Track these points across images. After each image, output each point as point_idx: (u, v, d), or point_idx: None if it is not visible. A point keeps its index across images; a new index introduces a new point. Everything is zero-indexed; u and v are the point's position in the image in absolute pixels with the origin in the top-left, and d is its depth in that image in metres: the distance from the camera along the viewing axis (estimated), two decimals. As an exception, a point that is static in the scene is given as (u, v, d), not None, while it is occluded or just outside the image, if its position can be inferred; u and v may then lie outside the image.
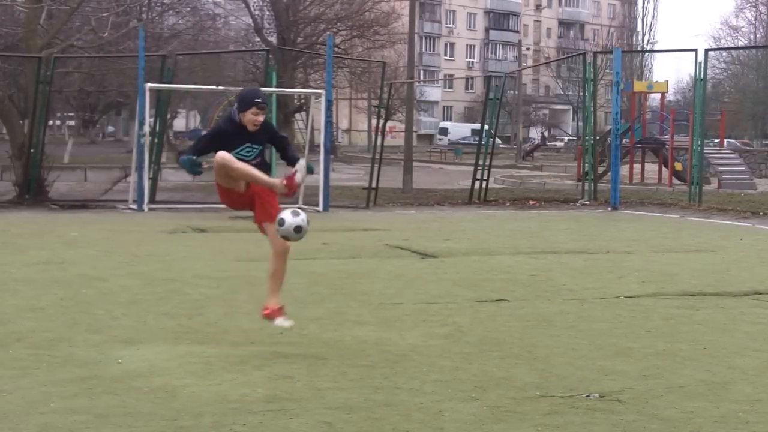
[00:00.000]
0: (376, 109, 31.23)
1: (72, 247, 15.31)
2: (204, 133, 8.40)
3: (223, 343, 8.20)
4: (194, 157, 7.91)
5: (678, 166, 38.49)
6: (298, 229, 7.74)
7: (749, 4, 77.95)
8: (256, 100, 7.85)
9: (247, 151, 7.92)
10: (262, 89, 26.34)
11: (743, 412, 6.46)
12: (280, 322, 8.09)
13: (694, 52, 26.07)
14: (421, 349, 8.20)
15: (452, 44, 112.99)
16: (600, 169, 33.56)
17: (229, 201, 8.28)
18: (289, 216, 7.75)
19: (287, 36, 54.31)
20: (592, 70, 28.41)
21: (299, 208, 7.98)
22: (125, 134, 74.77)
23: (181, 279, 11.90)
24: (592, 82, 28.20)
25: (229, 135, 7.91)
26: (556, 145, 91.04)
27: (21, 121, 27.11)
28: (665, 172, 39.33)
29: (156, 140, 25.09)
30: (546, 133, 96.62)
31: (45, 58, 24.50)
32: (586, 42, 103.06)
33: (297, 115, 54.09)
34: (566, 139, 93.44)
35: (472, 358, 7.93)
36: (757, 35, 77.41)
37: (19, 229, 17.95)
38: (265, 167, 8.11)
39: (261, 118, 7.88)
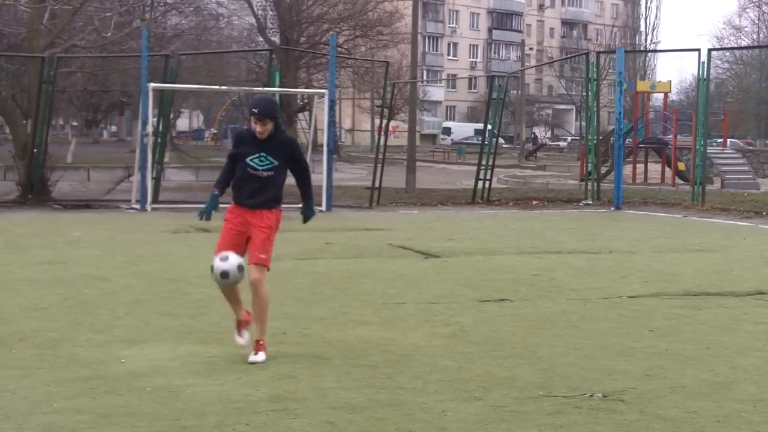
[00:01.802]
0: (379, 108, 31.20)
1: (75, 247, 15.32)
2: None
3: (226, 343, 8.20)
4: (217, 194, 7.96)
5: (681, 165, 38.47)
6: (224, 275, 7.60)
7: (752, 4, 77.95)
8: (253, 110, 7.78)
9: (260, 160, 7.81)
10: (267, 89, 26.40)
11: (746, 411, 6.46)
12: (252, 358, 7.66)
13: (697, 52, 26.06)
14: (424, 349, 8.20)
15: (455, 44, 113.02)
16: (603, 169, 33.55)
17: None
18: (217, 261, 7.66)
19: (290, 36, 54.29)
20: (595, 69, 28.39)
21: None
22: (128, 134, 74.83)
23: (184, 279, 11.92)
24: (595, 82, 28.19)
25: (247, 141, 7.88)
26: (559, 145, 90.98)
27: (24, 121, 27.14)
28: (668, 171, 39.31)
29: (159, 140, 25.10)
30: (539, 133, 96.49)
31: (48, 58, 24.51)
32: (589, 42, 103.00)
33: (300, 115, 54.05)
34: (569, 138, 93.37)
35: (475, 357, 7.93)
36: (761, 35, 77.36)
37: (22, 229, 17.96)
38: (271, 197, 7.92)
39: (259, 129, 7.74)
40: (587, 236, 18.25)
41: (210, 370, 7.39)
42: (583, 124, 40.72)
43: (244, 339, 7.86)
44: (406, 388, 6.94)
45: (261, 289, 7.74)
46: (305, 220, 8.26)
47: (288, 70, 46.71)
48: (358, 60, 53.19)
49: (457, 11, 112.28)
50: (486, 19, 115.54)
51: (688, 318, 9.80)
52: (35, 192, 24.10)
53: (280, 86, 27.17)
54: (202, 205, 8.07)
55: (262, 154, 7.80)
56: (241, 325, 7.91)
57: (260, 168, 7.82)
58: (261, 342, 7.75)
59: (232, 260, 7.62)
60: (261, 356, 7.67)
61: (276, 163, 7.85)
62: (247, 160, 7.81)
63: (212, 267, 7.66)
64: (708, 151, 30.05)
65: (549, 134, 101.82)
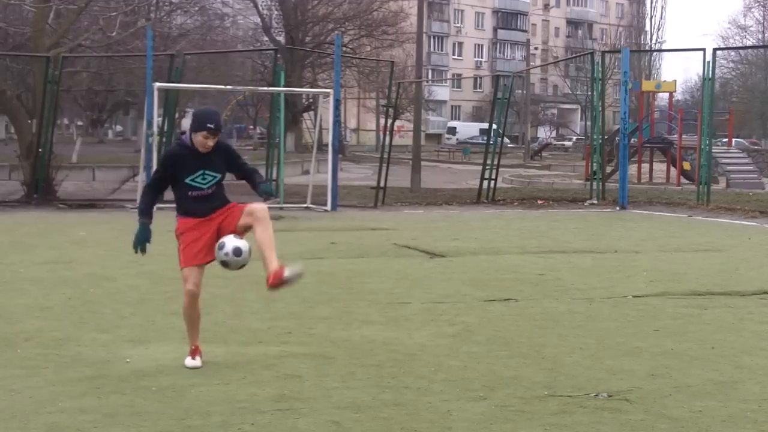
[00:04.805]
0: (385, 108, 31.22)
1: (80, 247, 15.33)
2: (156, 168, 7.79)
3: (231, 343, 8.21)
4: (149, 223, 7.47)
5: (686, 165, 38.44)
6: (237, 251, 7.24)
7: (757, 4, 77.84)
8: (208, 125, 7.26)
9: (202, 179, 7.37)
10: (272, 88, 26.40)
11: (751, 411, 6.45)
12: (289, 273, 7.27)
13: (702, 52, 26.08)
14: (429, 349, 8.20)
15: (460, 43, 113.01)
16: (608, 169, 33.52)
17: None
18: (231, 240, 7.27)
19: (295, 35, 54.43)
20: (600, 69, 28.38)
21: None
22: (133, 134, 74.88)
23: (189, 278, 11.89)
24: (600, 82, 28.17)
25: (183, 160, 7.37)
26: (564, 144, 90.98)
27: (29, 121, 27.16)
28: (673, 171, 39.28)
29: (164, 140, 25.11)
30: (543, 133, 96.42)
31: (53, 58, 24.53)
32: (594, 41, 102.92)
33: (305, 115, 54.14)
34: (574, 138, 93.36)
35: (480, 357, 7.92)
36: (766, 34, 77.30)
37: (27, 229, 17.98)
38: (222, 200, 7.53)
39: (211, 144, 7.33)
40: (592, 236, 18.24)
41: (215, 369, 7.39)
42: (588, 123, 40.75)
43: (298, 266, 7.39)
44: (411, 387, 6.93)
45: (268, 220, 7.39)
46: (267, 196, 7.65)
47: (293, 70, 46.85)
48: (363, 59, 53.32)
49: (462, 11, 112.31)
50: (491, 18, 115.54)
51: (693, 318, 9.79)
52: (40, 191, 24.12)
53: (285, 86, 27.19)
54: None
55: (203, 171, 7.39)
56: (283, 269, 7.31)
57: (205, 186, 7.42)
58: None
59: (243, 243, 7.28)
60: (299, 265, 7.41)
61: (218, 176, 7.46)
62: (187, 180, 7.37)
63: (222, 243, 7.26)
64: (713, 150, 30.01)
65: (554, 134, 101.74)
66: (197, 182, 7.40)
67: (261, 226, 7.32)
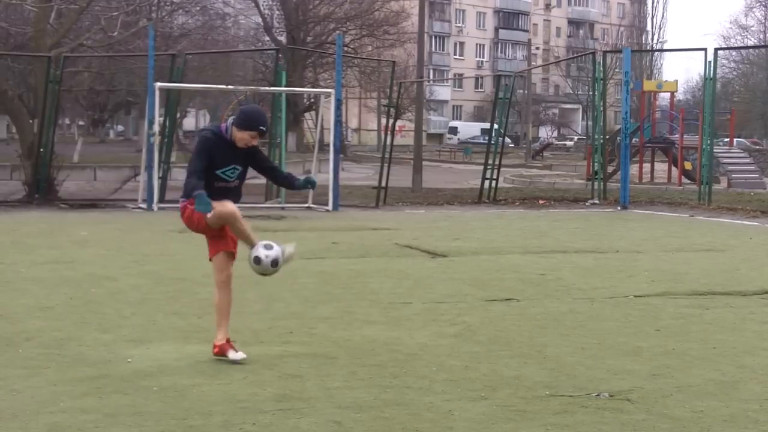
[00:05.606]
0: (386, 108, 31.23)
1: (81, 247, 15.33)
2: (193, 154, 7.85)
3: (233, 343, 8.20)
4: (205, 192, 7.35)
5: (687, 165, 38.44)
6: (275, 263, 7.55)
7: (759, 4, 77.71)
8: (261, 127, 7.48)
9: (231, 172, 7.56)
10: (273, 88, 26.38)
11: (753, 411, 6.44)
12: (233, 355, 7.60)
13: (703, 52, 26.05)
14: (430, 349, 8.20)
15: (462, 43, 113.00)
16: (609, 169, 33.52)
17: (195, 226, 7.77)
18: (262, 251, 7.53)
19: (297, 35, 54.45)
20: (601, 69, 28.39)
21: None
22: (135, 133, 74.88)
23: (190, 278, 11.91)
24: (601, 82, 28.18)
25: (217, 150, 7.48)
26: (565, 144, 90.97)
27: (31, 121, 27.17)
28: (675, 171, 39.28)
29: (165, 139, 25.12)
30: (545, 133, 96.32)
31: (54, 58, 24.53)
32: (595, 41, 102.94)
33: (306, 115, 54.12)
34: (576, 138, 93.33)
35: (482, 357, 7.92)
36: (767, 34, 77.19)
37: (28, 229, 17.98)
38: (238, 196, 7.74)
39: (255, 143, 7.56)
40: (594, 236, 18.23)
41: (216, 369, 7.39)
42: (590, 123, 40.71)
43: (240, 354, 7.65)
44: (412, 387, 6.93)
45: (231, 284, 7.78)
46: (312, 186, 8.07)
47: (294, 70, 46.83)
48: (364, 59, 53.32)
49: (463, 10, 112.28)
50: (492, 18, 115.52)
51: (695, 317, 9.79)
52: (42, 191, 24.13)
53: (286, 86, 27.20)
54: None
55: (234, 166, 7.56)
56: (230, 345, 7.69)
57: (231, 179, 7.59)
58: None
59: (277, 248, 7.57)
60: (241, 354, 7.65)
61: (242, 169, 7.66)
62: (218, 172, 7.51)
63: (257, 258, 7.53)
64: (714, 150, 30.01)
65: (555, 133, 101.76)
66: (227, 175, 7.57)
67: (223, 289, 7.73)
